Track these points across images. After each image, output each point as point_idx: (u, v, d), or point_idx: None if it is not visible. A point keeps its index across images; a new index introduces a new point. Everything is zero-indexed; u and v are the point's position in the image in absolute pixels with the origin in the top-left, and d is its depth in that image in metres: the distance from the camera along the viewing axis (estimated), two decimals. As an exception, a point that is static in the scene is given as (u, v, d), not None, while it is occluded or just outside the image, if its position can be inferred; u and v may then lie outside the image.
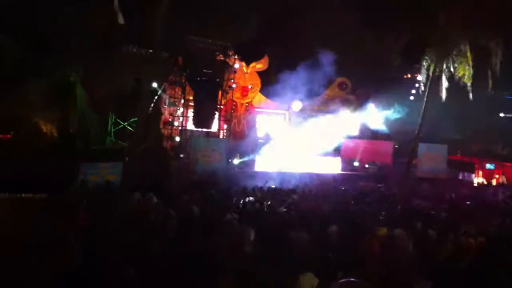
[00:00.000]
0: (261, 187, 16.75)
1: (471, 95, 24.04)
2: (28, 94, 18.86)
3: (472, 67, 23.52)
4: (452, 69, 24.04)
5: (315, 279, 5.59)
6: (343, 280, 2.55)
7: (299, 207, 12.07)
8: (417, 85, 28.44)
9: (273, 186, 17.89)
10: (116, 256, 5.25)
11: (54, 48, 18.95)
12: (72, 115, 21.08)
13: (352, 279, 2.56)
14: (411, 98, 29.44)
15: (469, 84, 23.84)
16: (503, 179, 29.18)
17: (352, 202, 15.39)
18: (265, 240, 7.43)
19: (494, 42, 22.83)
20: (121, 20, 20.41)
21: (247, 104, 28.72)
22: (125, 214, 8.99)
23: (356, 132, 30.13)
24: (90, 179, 14.53)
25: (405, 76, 30.62)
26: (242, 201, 13.09)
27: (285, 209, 11.60)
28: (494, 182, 28.57)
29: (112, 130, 23.21)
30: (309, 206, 13.31)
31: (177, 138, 22.86)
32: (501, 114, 31.53)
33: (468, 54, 23.45)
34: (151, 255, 6.20)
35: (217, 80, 22.82)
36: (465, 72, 23.66)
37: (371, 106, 29.51)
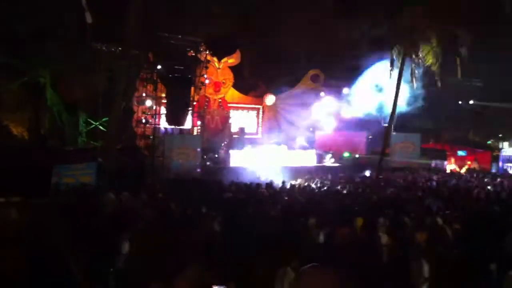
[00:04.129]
0: (236, 183, 16.72)
1: (439, 83, 24.41)
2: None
3: (440, 55, 23.83)
4: (421, 58, 24.34)
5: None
6: (306, 266, 2.52)
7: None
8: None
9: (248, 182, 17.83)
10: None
11: (25, 50, 18.62)
12: (43, 116, 20.75)
13: (315, 264, 2.52)
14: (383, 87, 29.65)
15: (438, 72, 24.19)
16: (475, 165, 29.74)
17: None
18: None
19: (461, 30, 23.14)
20: (89, 19, 20.11)
21: (220, 100, 28.60)
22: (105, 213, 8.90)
23: (329, 124, 30.49)
24: (65, 181, 14.29)
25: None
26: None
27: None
28: (465, 168, 29.10)
29: (84, 130, 22.88)
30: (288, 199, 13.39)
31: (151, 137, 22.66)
32: (471, 102, 31.93)
33: (436, 42, 23.74)
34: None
35: (189, 76, 22.66)
36: (433, 61, 23.97)
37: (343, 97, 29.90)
